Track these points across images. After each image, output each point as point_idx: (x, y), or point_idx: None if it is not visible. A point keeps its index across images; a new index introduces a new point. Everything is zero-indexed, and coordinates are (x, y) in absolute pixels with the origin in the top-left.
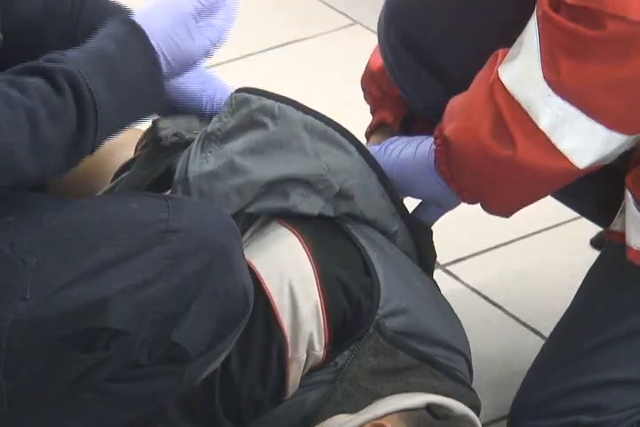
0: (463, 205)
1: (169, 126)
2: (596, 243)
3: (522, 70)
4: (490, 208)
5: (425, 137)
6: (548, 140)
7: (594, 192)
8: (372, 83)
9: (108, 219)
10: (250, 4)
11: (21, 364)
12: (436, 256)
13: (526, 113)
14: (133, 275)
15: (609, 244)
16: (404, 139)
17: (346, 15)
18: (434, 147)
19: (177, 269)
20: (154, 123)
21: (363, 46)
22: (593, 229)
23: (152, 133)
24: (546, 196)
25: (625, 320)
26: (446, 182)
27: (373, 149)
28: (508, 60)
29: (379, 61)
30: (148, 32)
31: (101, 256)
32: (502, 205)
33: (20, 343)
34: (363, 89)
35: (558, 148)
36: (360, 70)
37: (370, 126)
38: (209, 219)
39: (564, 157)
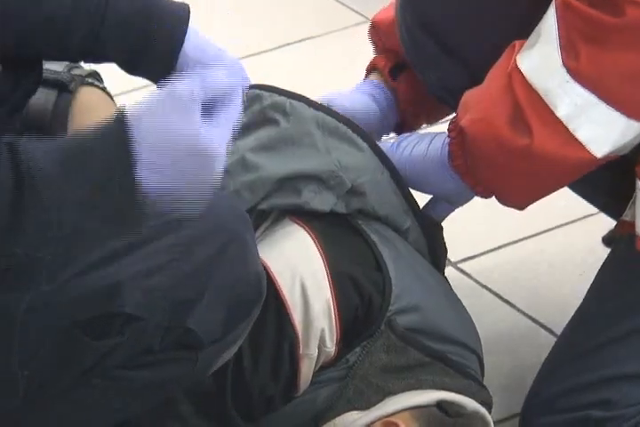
0: (474, 203)
1: None
2: (607, 241)
3: (541, 58)
4: (505, 200)
5: (437, 133)
6: (566, 129)
7: (607, 183)
8: (374, 33)
9: None
10: (261, 1)
11: (35, 352)
12: (447, 253)
13: (544, 102)
14: (145, 262)
15: (619, 240)
16: (416, 135)
17: (358, 13)
18: (448, 140)
19: (188, 256)
20: None
21: None
22: (605, 227)
23: None
24: (562, 187)
25: (630, 318)
26: (460, 176)
27: (385, 145)
28: (525, 48)
29: (382, 14)
30: (140, 128)
31: (113, 244)
32: (518, 197)
33: (33, 331)
34: (370, 39)
35: (576, 136)
36: None
37: (366, 69)
38: (219, 207)
39: (582, 146)
